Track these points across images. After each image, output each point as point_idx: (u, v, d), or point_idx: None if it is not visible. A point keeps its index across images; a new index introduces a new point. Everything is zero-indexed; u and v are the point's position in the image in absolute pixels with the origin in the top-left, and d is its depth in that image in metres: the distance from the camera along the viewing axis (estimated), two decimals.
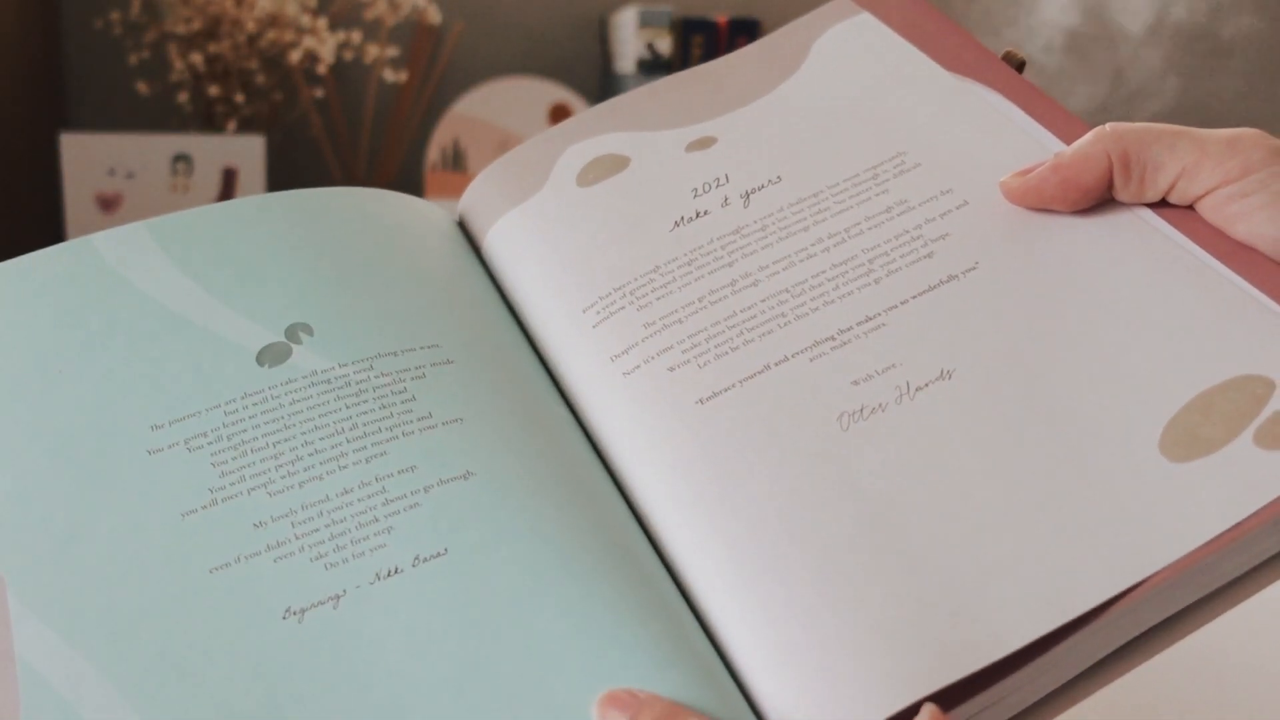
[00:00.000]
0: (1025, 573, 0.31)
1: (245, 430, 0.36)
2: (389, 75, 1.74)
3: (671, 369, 0.38)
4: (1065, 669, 0.32)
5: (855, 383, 0.36)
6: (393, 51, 1.76)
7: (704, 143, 0.45)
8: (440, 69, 1.88)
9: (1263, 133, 0.36)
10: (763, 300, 0.39)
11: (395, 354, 0.39)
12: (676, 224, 0.43)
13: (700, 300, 0.40)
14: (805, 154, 0.44)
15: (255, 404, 0.37)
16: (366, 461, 0.36)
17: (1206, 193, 0.37)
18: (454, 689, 0.31)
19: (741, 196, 0.43)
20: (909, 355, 0.37)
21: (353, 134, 1.87)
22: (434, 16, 1.77)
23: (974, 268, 0.38)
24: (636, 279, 0.41)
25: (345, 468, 0.35)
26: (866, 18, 0.47)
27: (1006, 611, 0.31)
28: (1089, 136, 0.38)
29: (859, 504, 0.34)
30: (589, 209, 0.44)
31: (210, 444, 0.36)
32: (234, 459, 0.36)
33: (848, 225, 0.41)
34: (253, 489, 0.35)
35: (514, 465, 0.36)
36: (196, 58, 1.67)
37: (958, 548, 0.32)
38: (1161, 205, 0.38)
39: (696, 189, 0.44)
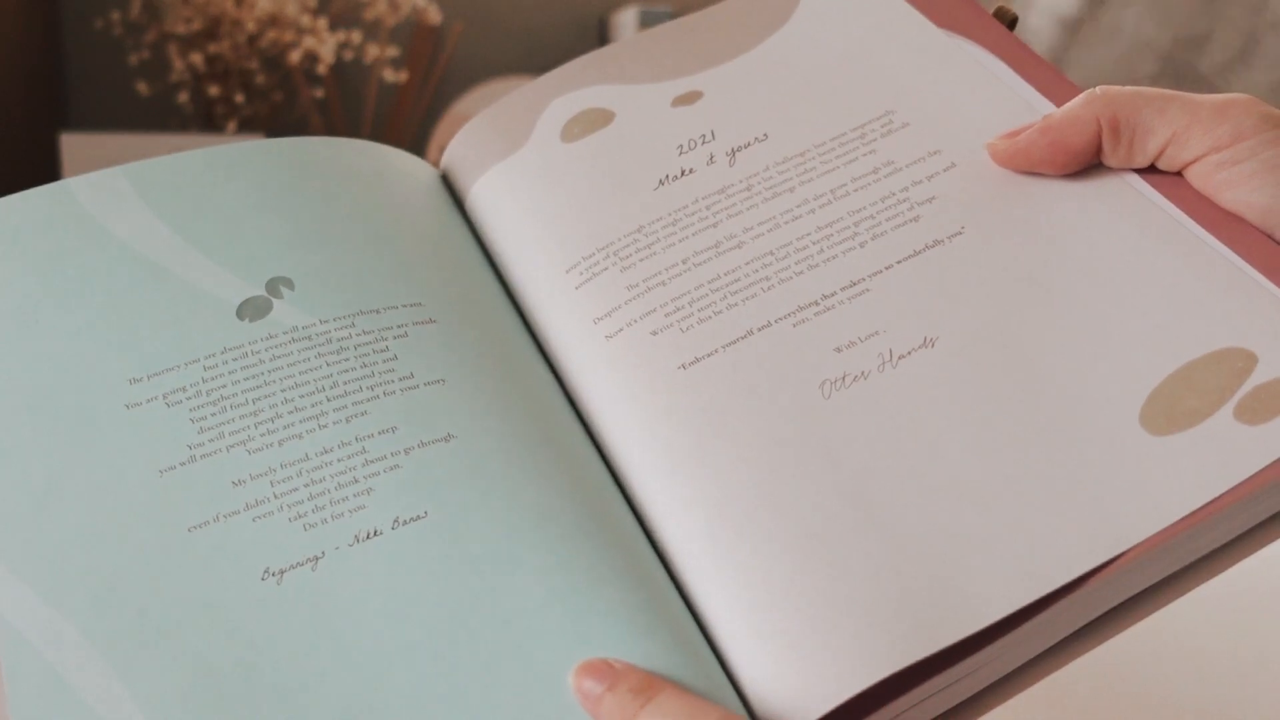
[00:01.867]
0: (1003, 544, 0.31)
1: (225, 386, 0.36)
2: (389, 75, 1.74)
3: (654, 333, 0.38)
4: (1041, 640, 0.32)
5: (838, 349, 0.36)
6: (393, 51, 1.76)
7: (690, 97, 0.45)
8: (440, 69, 1.88)
9: (1255, 99, 0.36)
10: (747, 263, 0.39)
11: (378, 311, 0.38)
12: (661, 182, 0.42)
13: (684, 262, 0.39)
14: (792, 111, 0.43)
15: (235, 359, 0.36)
16: (347, 421, 0.35)
17: (1196, 159, 0.36)
18: (431, 653, 0.31)
19: (727, 154, 0.42)
20: (892, 322, 0.36)
21: (353, 134, 1.87)
22: (434, 16, 1.77)
23: (960, 232, 0.38)
24: (620, 239, 0.40)
25: (325, 426, 0.35)
26: None
27: (983, 583, 0.30)
28: (1079, 99, 0.38)
29: (838, 473, 0.33)
30: (573, 166, 0.43)
31: (189, 399, 0.35)
32: (213, 415, 0.35)
33: (834, 186, 0.40)
34: (231, 446, 0.34)
35: (496, 429, 0.36)
36: (196, 58, 1.67)
37: (935, 519, 0.32)
38: (1150, 171, 0.38)
39: (682, 146, 0.43)
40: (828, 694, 0.29)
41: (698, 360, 0.36)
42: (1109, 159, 0.38)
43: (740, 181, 0.41)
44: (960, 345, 0.35)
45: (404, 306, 0.39)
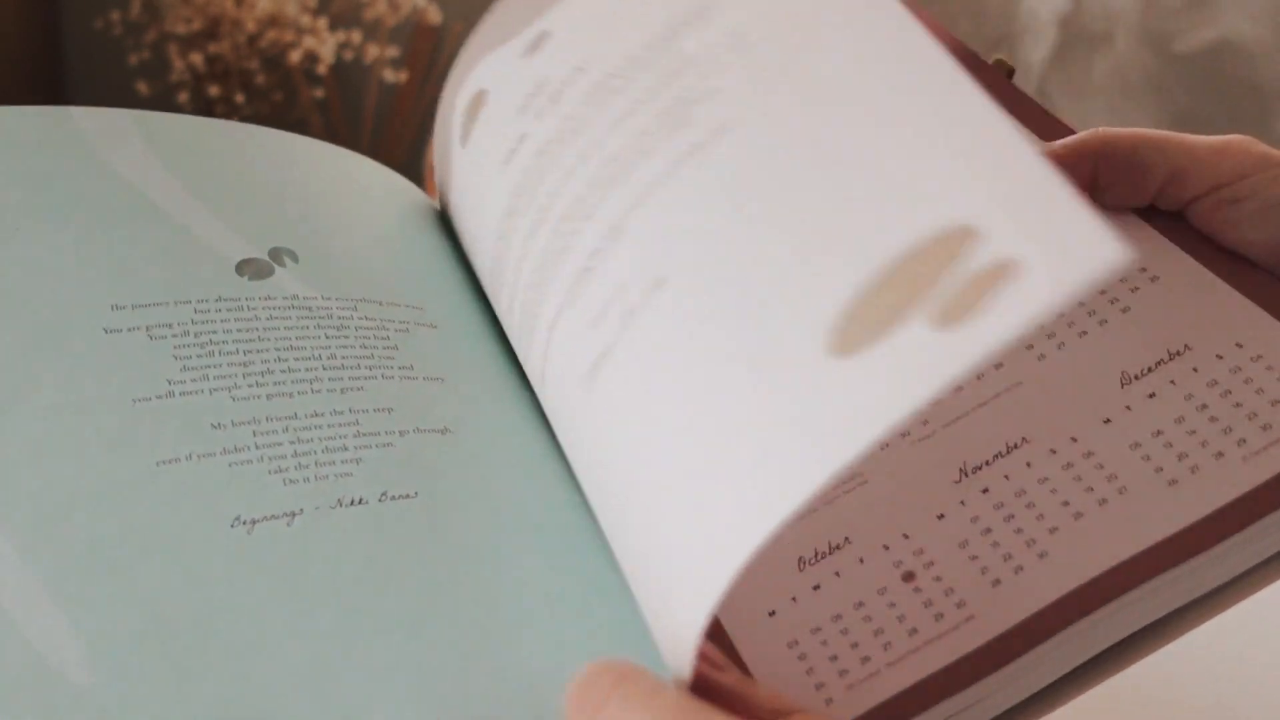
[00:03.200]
0: (696, 519, 0.26)
1: (215, 332, 0.34)
2: (389, 75, 1.74)
3: (525, 360, 0.36)
4: (1023, 686, 0.31)
5: (594, 325, 0.30)
6: (393, 51, 1.76)
7: (539, 42, 0.38)
8: (440, 69, 1.88)
9: (1252, 139, 0.36)
10: (551, 234, 0.33)
11: (380, 304, 0.37)
12: (504, 162, 0.36)
13: (518, 261, 0.35)
14: (617, 24, 0.35)
15: (229, 310, 0.35)
16: (341, 392, 0.34)
17: (1196, 198, 0.36)
18: (408, 629, 0.29)
19: (552, 101, 0.35)
20: (633, 270, 0.30)
21: (353, 134, 1.87)
22: (434, 16, 1.77)
23: (723, 130, 0.30)
24: (491, 255, 0.37)
25: (319, 392, 0.34)
26: None
27: (714, 536, 0.25)
28: (1077, 136, 0.38)
29: (599, 472, 0.30)
30: (467, 178, 0.40)
31: (175, 336, 0.33)
32: (199, 356, 0.33)
33: (629, 104, 0.32)
34: (215, 390, 0.33)
35: (492, 431, 0.35)
36: (196, 58, 1.67)
37: (663, 490, 0.27)
38: (1150, 210, 0.38)
39: (522, 107, 0.37)
40: None
41: (541, 378, 0.34)
42: (1104, 197, 0.38)
43: (554, 131, 0.34)
44: (687, 280, 0.28)
45: (407, 306, 0.38)
